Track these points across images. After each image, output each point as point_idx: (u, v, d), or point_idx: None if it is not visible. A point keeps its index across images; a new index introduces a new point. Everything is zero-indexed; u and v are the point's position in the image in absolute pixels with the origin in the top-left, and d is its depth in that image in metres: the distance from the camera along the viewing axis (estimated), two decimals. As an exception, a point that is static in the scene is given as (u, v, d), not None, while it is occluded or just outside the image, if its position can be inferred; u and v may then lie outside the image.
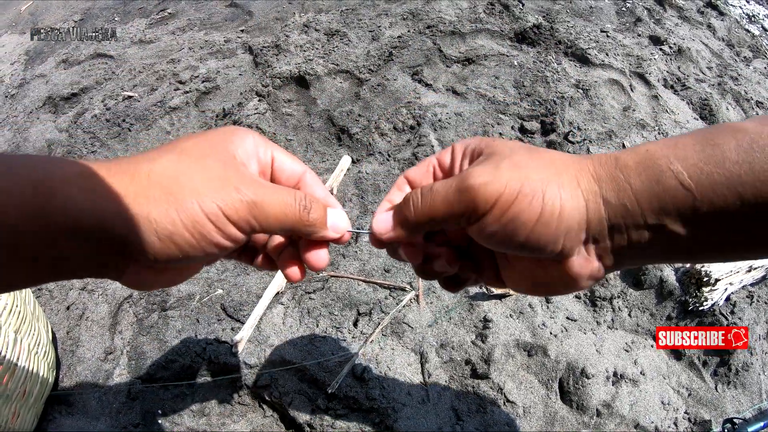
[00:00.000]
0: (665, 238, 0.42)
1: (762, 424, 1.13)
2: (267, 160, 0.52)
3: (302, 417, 1.15)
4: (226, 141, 0.48)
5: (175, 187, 0.42)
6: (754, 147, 0.38)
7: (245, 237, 0.46)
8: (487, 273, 0.54)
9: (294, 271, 0.55)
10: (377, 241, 0.52)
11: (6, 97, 2.28)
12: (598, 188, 0.43)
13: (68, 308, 1.36)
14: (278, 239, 0.56)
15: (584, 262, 0.45)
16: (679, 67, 2.33)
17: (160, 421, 1.16)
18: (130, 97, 2.05)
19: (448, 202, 0.45)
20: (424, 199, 0.47)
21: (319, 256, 0.53)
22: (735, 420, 1.15)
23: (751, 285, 1.47)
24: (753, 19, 2.99)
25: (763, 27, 2.94)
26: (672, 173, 0.40)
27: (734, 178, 0.38)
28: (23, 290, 1.15)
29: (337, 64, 2.02)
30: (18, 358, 1.02)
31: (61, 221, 0.38)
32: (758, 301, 1.45)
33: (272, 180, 0.54)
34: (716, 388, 1.32)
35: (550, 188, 0.42)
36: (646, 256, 0.46)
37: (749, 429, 1.13)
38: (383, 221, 0.51)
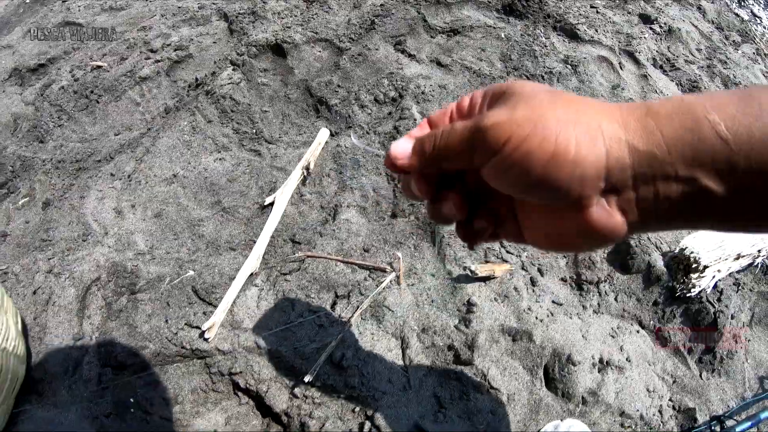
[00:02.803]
0: (698, 194, 0.39)
1: (749, 423, 1.11)
2: None
3: (279, 406, 1.10)
4: None
5: None
6: None
7: None
8: (507, 226, 0.53)
9: None
10: (392, 164, 0.53)
11: (-29, 69, 2.14)
12: (624, 133, 0.40)
13: (35, 293, 1.27)
14: None
15: (604, 213, 0.43)
16: (668, 47, 2.28)
17: (132, 410, 1.11)
18: (99, 67, 1.93)
19: (463, 140, 0.45)
20: (443, 134, 0.47)
21: None
22: (722, 418, 1.13)
23: (738, 272, 1.44)
24: (742, 3, 2.95)
25: (752, 12, 2.91)
26: (708, 122, 0.38)
27: None
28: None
29: (317, 32, 1.92)
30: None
31: None
32: (743, 287, 1.42)
33: None
34: (701, 376, 1.30)
35: (565, 129, 0.40)
36: (676, 216, 0.42)
37: (737, 429, 1.11)
38: (402, 147, 0.52)
